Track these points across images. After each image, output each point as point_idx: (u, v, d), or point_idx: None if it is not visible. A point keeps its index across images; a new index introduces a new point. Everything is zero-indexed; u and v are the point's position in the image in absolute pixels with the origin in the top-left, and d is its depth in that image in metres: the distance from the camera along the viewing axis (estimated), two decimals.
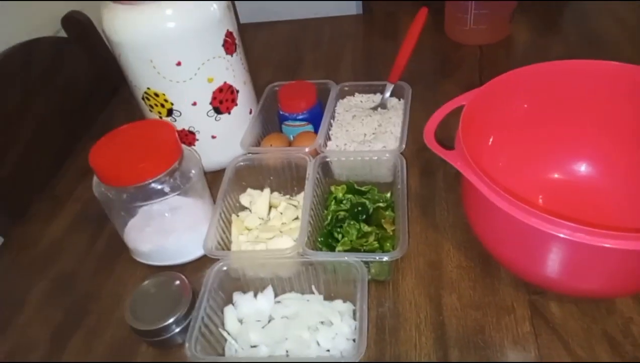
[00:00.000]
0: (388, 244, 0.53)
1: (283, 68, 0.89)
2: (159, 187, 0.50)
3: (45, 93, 0.76)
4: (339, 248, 0.54)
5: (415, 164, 0.65)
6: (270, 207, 0.61)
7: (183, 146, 0.55)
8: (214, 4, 0.57)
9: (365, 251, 0.53)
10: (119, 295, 0.55)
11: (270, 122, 0.71)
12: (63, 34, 0.86)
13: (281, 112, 0.68)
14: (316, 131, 0.67)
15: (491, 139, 0.56)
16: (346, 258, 0.48)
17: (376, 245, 0.53)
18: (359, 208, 0.57)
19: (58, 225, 0.66)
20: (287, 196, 0.63)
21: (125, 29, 0.55)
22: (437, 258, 0.53)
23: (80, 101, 0.85)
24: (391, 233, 0.54)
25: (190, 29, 0.55)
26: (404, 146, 0.58)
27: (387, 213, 0.56)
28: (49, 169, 0.74)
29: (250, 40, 0.96)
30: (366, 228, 0.55)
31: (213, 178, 0.67)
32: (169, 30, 0.54)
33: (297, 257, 0.49)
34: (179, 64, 0.57)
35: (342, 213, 0.57)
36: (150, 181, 0.49)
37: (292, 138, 0.68)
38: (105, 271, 0.58)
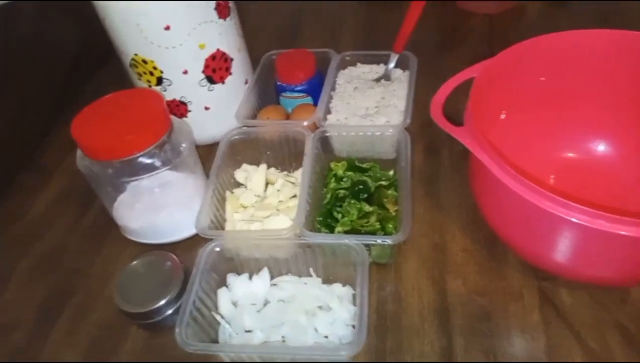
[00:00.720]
0: (390, 225, 0.50)
1: (280, 36, 0.84)
2: (148, 161, 0.47)
3: (27, 61, 0.71)
4: (338, 228, 0.51)
5: (420, 140, 0.61)
6: (266, 183, 0.58)
7: (173, 117, 0.51)
8: None
9: (366, 232, 0.50)
10: (107, 273, 0.53)
11: (267, 93, 0.67)
12: None
13: (278, 83, 0.64)
14: (315, 104, 0.64)
15: (503, 115, 0.52)
16: (346, 240, 0.45)
17: (378, 226, 0.50)
18: (360, 187, 0.54)
19: (44, 199, 0.63)
20: (285, 173, 0.59)
21: None
22: (441, 241, 0.51)
23: (66, 69, 0.80)
24: (394, 214, 0.51)
25: None
26: (408, 120, 0.55)
27: (389, 192, 0.54)
28: (34, 140, 0.70)
29: (245, 6, 0.90)
30: (367, 208, 0.52)
31: (206, 152, 0.63)
32: None
33: (294, 239, 0.46)
34: (167, 28, 0.52)
35: (342, 192, 0.54)
36: (138, 154, 0.46)
37: (290, 111, 0.65)
38: (93, 248, 0.55)
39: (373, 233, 0.50)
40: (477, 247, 0.50)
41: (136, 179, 0.48)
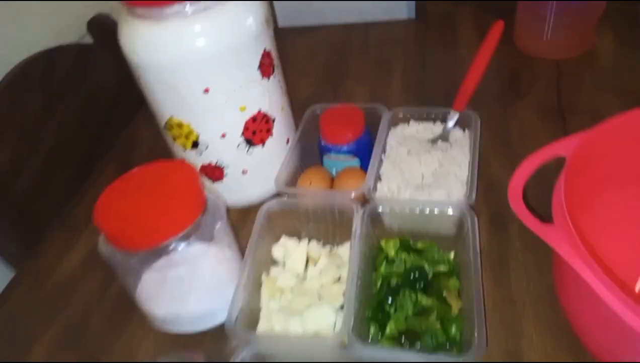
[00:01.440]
0: (454, 328, 0.42)
1: (324, 81, 0.79)
2: (178, 247, 0.42)
3: (67, 103, 0.70)
4: (390, 327, 0.44)
5: (482, 211, 0.54)
6: (307, 259, 0.51)
7: (207, 192, 0.46)
8: (250, 18, 0.48)
9: (423, 333, 0.43)
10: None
11: (310, 152, 0.61)
12: (89, 39, 0.79)
13: (323, 143, 0.58)
14: (363, 166, 0.57)
15: (597, 204, 0.44)
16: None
17: (438, 327, 0.43)
18: (416, 274, 0.47)
19: (71, 261, 0.59)
20: (328, 247, 0.53)
21: (145, 49, 0.46)
22: (515, 347, 0.43)
23: (105, 111, 0.78)
24: (456, 311, 0.44)
25: (221, 49, 0.46)
26: (473, 196, 0.47)
27: (450, 281, 0.46)
28: (67, 191, 0.67)
29: (288, 47, 0.86)
30: (425, 300, 0.44)
31: (241, 216, 0.58)
32: (197, 51, 0.45)
33: (340, 350, 0.39)
34: (207, 90, 0.48)
35: (395, 279, 0.47)
36: (167, 242, 0.41)
37: (334, 173, 0.58)
38: (113, 330, 0.50)
39: (433, 335, 0.42)
40: (560, 357, 0.41)
41: (162, 265, 0.42)
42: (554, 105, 0.66)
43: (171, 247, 0.41)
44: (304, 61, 0.84)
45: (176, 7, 0.44)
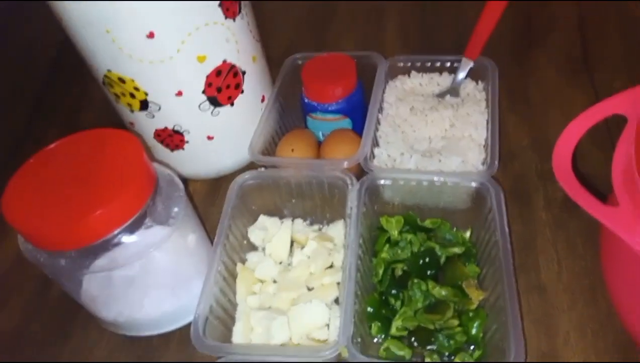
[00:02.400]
0: (475, 325, 0.34)
1: (306, 28, 0.67)
2: (121, 243, 0.32)
3: None
4: (397, 324, 0.35)
5: (501, 180, 0.45)
6: (292, 243, 0.42)
7: (159, 169, 0.36)
8: None
9: (438, 332, 0.35)
10: None
11: (291, 112, 0.51)
12: None
13: (306, 100, 0.48)
14: (355, 128, 0.47)
15: None
16: None
17: (456, 326, 0.35)
18: (426, 259, 0.38)
19: (5, 256, 0.48)
20: (316, 227, 0.44)
21: None
22: (550, 347, 0.35)
23: (46, 68, 0.66)
24: (476, 304, 0.36)
25: None
26: (496, 164, 0.38)
27: (468, 267, 0.38)
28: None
29: None
30: (438, 291, 0.36)
31: (210, 189, 0.48)
32: None
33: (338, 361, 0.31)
34: (151, 35, 0.36)
35: (401, 266, 0.38)
36: (105, 238, 0.31)
37: (321, 137, 0.48)
38: (60, 334, 0.41)
39: (451, 334, 0.34)
40: (604, 357, 0.34)
41: (102, 270, 0.32)
42: (577, 54, 0.56)
43: (113, 242, 0.32)
44: (281, 12, 0.71)
45: None
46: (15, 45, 0.71)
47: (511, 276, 0.32)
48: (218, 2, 0.38)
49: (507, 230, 0.34)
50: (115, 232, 0.31)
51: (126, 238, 0.32)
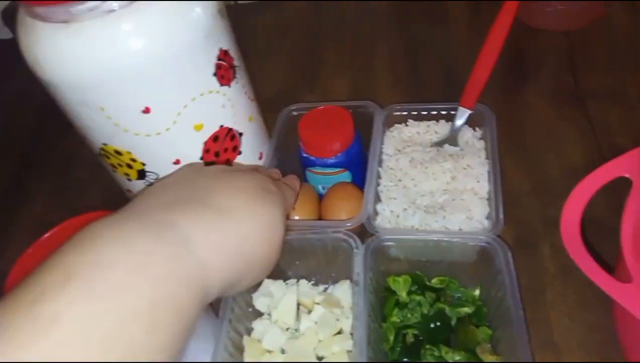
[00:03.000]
0: None
1: (296, 71, 0.67)
2: None
3: None
4: None
5: (503, 233, 0.44)
6: (298, 306, 0.42)
7: None
8: (198, 8, 0.35)
9: None
10: None
11: (289, 163, 0.50)
12: (7, 32, 0.65)
13: (304, 155, 0.47)
14: (355, 180, 0.47)
15: None
16: None
17: None
18: (437, 323, 0.37)
19: None
20: (322, 287, 0.43)
21: (54, 62, 0.33)
22: None
23: (34, 119, 0.65)
24: None
25: (160, 54, 0.34)
26: (502, 220, 0.38)
27: (480, 330, 0.37)
28: None
29: (250, 29, 0.73)
30: (451, 357, 0.35)
31: None
32: (127, 60, 0.33)
33: None
34: (146, 111, 0.36)
35: (411, 333, 0.38)
36: None
37: (321, 190, 0.48)
38: None
39: None
40: None
41: None
42: (570, 87, 0.57)
43: None
44: (269, 46, 0.71)
45: (91, 1, 0.31)
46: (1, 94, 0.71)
47: (526, 347, 0.31)
48: (213, 71, 0.38)
49: (518, 295, 0.33)
50: None
51: None
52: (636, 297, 0.25)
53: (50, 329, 0.19)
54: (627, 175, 0.30)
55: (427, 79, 0.61)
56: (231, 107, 0.41)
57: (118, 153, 0.39)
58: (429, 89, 0.59)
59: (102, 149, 0.39)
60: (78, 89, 0.34)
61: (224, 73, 0.39)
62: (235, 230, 0.27)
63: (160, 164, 0.40)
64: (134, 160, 0.39)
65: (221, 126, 0.40)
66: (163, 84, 0.35)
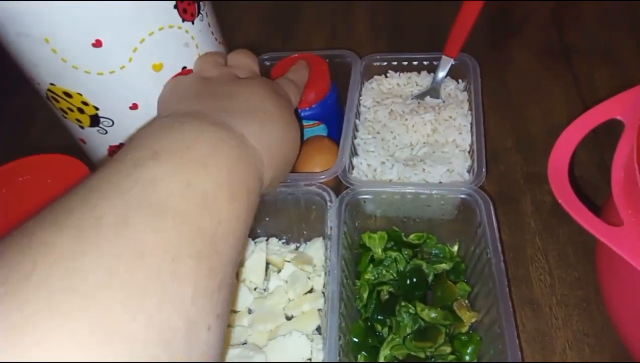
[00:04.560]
0: (469, 351, 0.32)
1: (272, 26, 0.63)
2: None
3: None
4: (385, 354, 0.33)
5: (485, 185, 0.43)
6: (267, 265, 0.39)
7: None
8: None
9: (429, 360, 0.32)
10: None
11: None
12: None
13: None
14: (331, 133, 0.44)
15: None
16: None
17: (449, 353, 0.32)
18: (414, 279, 0.35)
19: None
20: (293, 246, 0.41)
21: None
22: None
23: None
24: (468, 326, 0.33)
25: None
26: (484, 173, 0.36)
27: (458, 286, 0.35)
28: None
29: None
30: (427, 314, 0.34)
31: None
32: None
33: None
34: (97, 44, 0.32)
35: (387, 289, 0.36)
36: None
37: None
38: None
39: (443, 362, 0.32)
40: None
41: None
42: (555, 43, 0.54)
43: None
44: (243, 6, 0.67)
45: None
46: None
47: (507, 299, 0.30)
48: (173, 3, 0.34)
49: (499, 247, 0.32)
50: None
51: None
52: (627, 240, 0.23)
53: (152, 186, 0.21)
54: (619, 117, 0.28)
55: (410, 32, 0.58)
56: (195, 47, 0.37)
57: (67, 94, 0.35)
58: (413, 43, 0.56)
59: (49, 90, 0.35)
60: (17, 15, 0.30)
61: (186, 7, 0.35)
62: (276, 131, 0.30)
63: (115, 109, 0.36)
64: (85, 103, 0.35)
65: (184, 67, 0.37)
66: (116, 13, 0.31)
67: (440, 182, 0.37)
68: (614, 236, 0.23)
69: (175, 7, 0.34)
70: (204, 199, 0.22)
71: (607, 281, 0.30)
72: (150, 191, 0.20)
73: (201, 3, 0.37)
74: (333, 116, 0.44)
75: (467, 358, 0.32)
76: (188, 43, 0.36)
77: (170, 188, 0.21)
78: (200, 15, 0.37)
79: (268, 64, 0.47)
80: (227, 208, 0.23)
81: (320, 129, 0.44)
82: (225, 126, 0.27)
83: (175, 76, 0.35)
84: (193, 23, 0.36)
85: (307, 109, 0.43)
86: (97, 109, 0.36)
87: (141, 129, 0.26)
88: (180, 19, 0.35)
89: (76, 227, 0.18)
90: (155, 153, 0.22)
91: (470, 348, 0.32)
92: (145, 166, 0.21)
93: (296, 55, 0.45)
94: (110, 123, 0.37)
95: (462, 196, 0.35)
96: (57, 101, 0.36)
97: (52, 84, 0.35)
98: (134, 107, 0.36)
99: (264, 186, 0.29)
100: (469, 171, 0.37)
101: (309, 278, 0.37)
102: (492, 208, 0.34)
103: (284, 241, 0.41)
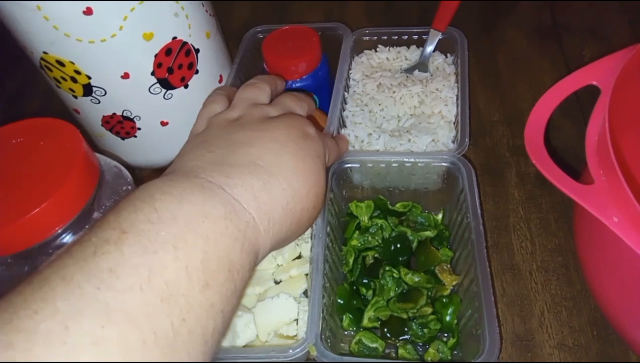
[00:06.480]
0: (449, 312, 0.33)
1: (267, 2, 0.63)
2: (62, 242, 0.29)
3: None
4: (369, 315, 0.34)
5: (471, 158, 0.43)
6: None
7: (104, 161, 0.32)
8: None
9: (411, 321, 0.33)
10: None
11: None
12: None
13: None
14: (322, 105, 0.45)
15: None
16: None
17: (430, 314, 0.33)
18: (398, 245, 0.36)
19: None
20: None
21: None
22: (525, 331, 0.34)
23: None
24: (449, 289, 0.34)
25: None
26: (467, 142, 0.36)
27: (441, 251, 0.36)
28: None
29: None
30: (410, 278, 0.35)
31: None
32: None
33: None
34: (88, 11, 0.33)
35: (372, 254, 0.37)
36: (45, 240, 0.28)
37: None
38: None
39: (424, 323, 0.33)
40: (580, 341, 0.33)
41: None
42: (546, 22, 0.55)
43: (55, 244, 0.29)
44: None
45: None
46: None
47: (484, 261, 0.31)
48: None
49: (479, 211, 0.33)
50: (56, 232, 0.28)
51: (69, 239, 0.29)
52: (596, 197, 0.24)
53: (109, 279, 0.19)
54: (594, 82, 0.29)
55: (405, 9, 0.58)
56: (185, 17, 0.38)
57: (60, 63, 0.36)
58: (407, 19, 0.57)
59: (42, 59, 0.36)
60: None
61: None
62: (284, 189, 0.26)
63: (107, 78, 0.37)
64: (78, 72, 0.36)
65: (174, 37, 0.38)
66: None
67: (425, 151, 0.38)
68: (584, 193, 0.24)
69: None
70: (166, 293, 0.19)
71: (582, 245, 0.31)
72: (103, 288, 0.18)
73: None
74: (324, 87, 0.45)
75: (448, 318, 0.33)
76: (178, 13, 0.37)
77: (128, 282, 0.19)
78: None
79: (261, 36, 0.48)
80: (196, 299, 0.20)
81: (314, 98, 0.45)
82: (215, 192, 0.24)
83: (210, 116, 0.32)
84: None
85: (297, 80, 0.44)
86: (89, 78, 0.37)
87: (129, 194, 0.23)
88: None
89: (14, 330, 0.17)
90: (121, 234, 0.20)
91: (450, 309, 0.33)
92: (107, 253, 0.19)
93: (287, 27, 0.45)
94: (103, 92, 0.38)
95: (445, 164, 0.36)
96: (51, 70, 0.37)
97: (45, 52, 0.35)
98: (126, 76, 0.37)
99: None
100: (453, 142, 0.38)
101: (297, 244, 0.38)
102: (473, 174, 0.34)
103: None
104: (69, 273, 0.19)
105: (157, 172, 0.46)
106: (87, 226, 0.30)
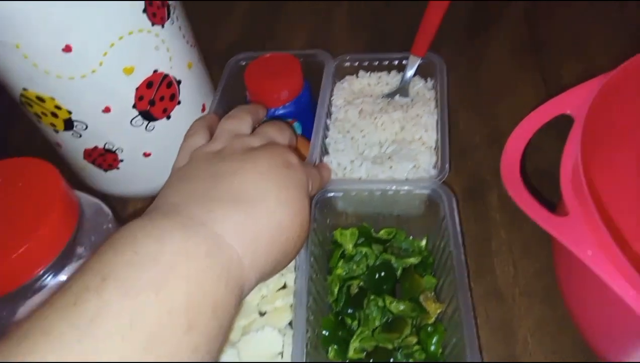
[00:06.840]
0: (434, 341, 0.33)
1: (252, 21, 0.64)
2: (44, 284, 0.29)
3: None
4: (354, 346, 0.34)
5: (453, 181, 0.44)
6: None
7: (82, 197, 0.32)
8: None
9: (396, 351, 0.33)
10: None
11: None
12: None
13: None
14: (305, 132, 0.45)
15: (623, 179, 0.34)
16: None
17: (415, 343, 0.33)
18: (382, 273, 0.37)
19: None
20: None
21: None
22: (508, 352, 0.34)
23: None
24: (434, 318, 0.35)
25: None
26: (447, 169, 0.37)
27: (425, 279, 0.36)
28: None
29: None
30: (395, 307, 0.35)
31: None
32: None
33: None
34: (67, 49, 0.33)
35: (356, 283, 0.37)
36: (25, 284, 0.27)
37: None
38: None
39: (409, 353, 0.33)
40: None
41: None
42: (526, 41, 0.56)
43: (36, 286, 0.28)
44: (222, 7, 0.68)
45: None
46: None
47: (466, 290, 0.31)
48: (142, 7, 0.35)
49: (460, 240, 0.33)
50: (37, 275, 0.28)
51: (51, 280, 0.29)
52: (571, 230, 0.24)
53: (90, 330, 0.19)
54: (568, 112, 0.29)
55: (389, 33, 0.59)
56: (166, 51, 0.38)
57: (40, 99, 0.36)
58: (392, 44, 0.57)
59: (22, 95, 0.36)
60: None
61: (155, 10, 0.36)
62: (268, 220, 0.26)
63: (88, 112, 0.37)
64: (58, 107, 0.36)
65: (155, 70, 0.38)
66: (85, 19, 0.32)
67: (407, 179, 0.38)
68: (558, 225, 0.25)
69: (144, 11, 0.35)
70: (148, 340, 0.19)
71: (561, 271, 0.31)
72: (83, 337, 0.18)
73: (171, 7, 0.38)
74: (307, 114, 0.45)
75: (432, 348, 0.33)
76: (158, 46, 0.37)
77: (108, 329, 0.19)
78: (170, 19, 0.38)
79: (244, 63, 0.48)
80: (180, 342, 0.20)
81: (294, 127, 0.45)
82: (196, 229, 0.23)
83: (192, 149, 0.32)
84: (163, 27, 0.37)
85: (280, 107, 0.44)
86: (70, 113, 0.37)
87: (112, 235, 0.23)
88: (149, 23, 0.36)
89: None
90: (102, 281, 0.20)
91: (435, 338, 0.33)
92: (87, 301, 0.19)
93: (268, 55, 0.46)
94: (84, 126, 0.38)
95: (427, 191, 0.36)
96: (31, 106, 0.37)
97: (24, 89, 0.35)
98: (107, 110, 0.37)
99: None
100: (434, 167, 0.39)
101: (281, 274, 0.38)
102: (454, 201, 0.35)
103: None
104: (49, 325, 0.19)
105: (144, 202, 0.45)
106: (69, 265, 0.30)
